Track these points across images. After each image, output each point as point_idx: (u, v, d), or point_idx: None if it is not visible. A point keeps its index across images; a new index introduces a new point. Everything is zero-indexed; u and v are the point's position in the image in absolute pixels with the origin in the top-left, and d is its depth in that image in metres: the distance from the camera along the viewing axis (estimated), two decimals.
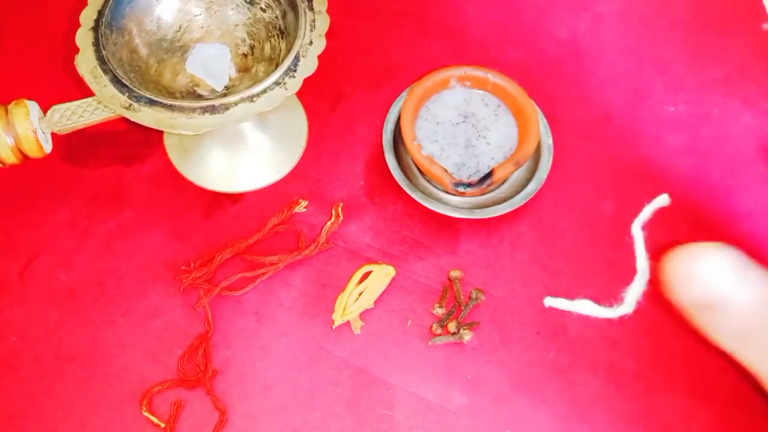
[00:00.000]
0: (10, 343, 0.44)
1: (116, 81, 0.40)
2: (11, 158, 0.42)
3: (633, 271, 0.46)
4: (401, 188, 0.47)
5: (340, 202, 0.48)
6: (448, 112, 0.48)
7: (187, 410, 0.42)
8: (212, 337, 0.44)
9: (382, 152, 0.48)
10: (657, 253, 0.46)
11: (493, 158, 0.47)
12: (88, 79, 0.41)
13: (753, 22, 0.56)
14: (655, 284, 0.45)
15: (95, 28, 0.42)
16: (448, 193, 0.47)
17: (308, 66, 0.41)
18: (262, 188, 0.49)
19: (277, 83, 0.41)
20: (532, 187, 0.47)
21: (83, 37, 0.42)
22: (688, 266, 0.26)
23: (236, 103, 0.40)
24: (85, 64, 0.41)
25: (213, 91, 0.45)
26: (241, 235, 0.47)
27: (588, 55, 0.55)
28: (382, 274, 0.45)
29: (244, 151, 0.49)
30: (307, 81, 0.41)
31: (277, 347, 0.44)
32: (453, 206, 0.46)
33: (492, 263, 0.46)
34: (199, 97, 0.45)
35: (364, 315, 0.44)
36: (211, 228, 0.47)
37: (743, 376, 0.42)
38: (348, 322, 0.44)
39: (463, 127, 0.48)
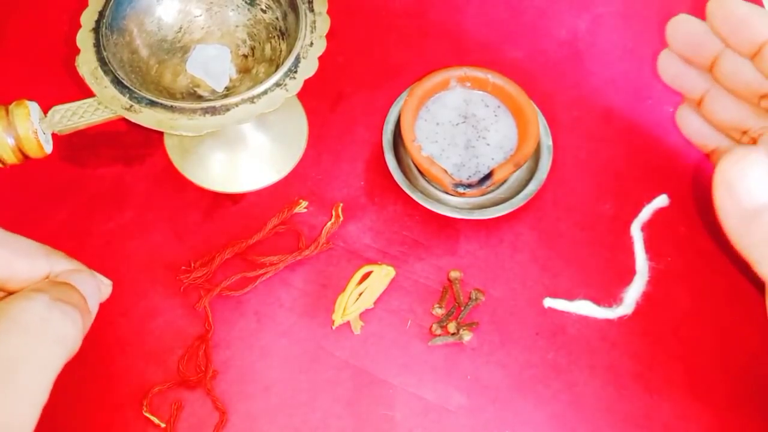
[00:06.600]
0: None
1: (117, 82, 0.41)
2: (12, 158, 0.42)
3: (632, 272, 0.46)
4: (401, 189, 0.47)
5: (340, 202, 0.48)
6: (448, 112, 0.48)
7: (188, 410, 0.42)
8: (212, 337, 0.44)
9: (382, 153, 0.48)
10: (656, 254, 0.46)
11: (492, 159, 0.47)
12: (89, 81, 0.41)
13: None
14: (654, 285, 0.45)
15: (96, 29, 0.42)
16: (447, 193, 0.47)
17: (309, 67, 0.41)
18: (263, 188, 0.49)
19: (277, 84, 0.41)
20: (532, 188, 0.47)
21: (84, 38, 0.42)
22: (731, 171, 0.23)
23: (237, 104, 0.40)
24: (86, 65, 0.41)
25: (213, 92, 0.45)
26: (241, 236, 0.47)
27: (588, 55, 0.55)
28: (382, 275, 0.45)
29: (245, 152, 0.49)
30: (307, 82, 0.41)
31: (277, 347, 0.44)
32: (453, 207, 0.46)
33: (492, 264, 0.46)
34: (200, 98, 0.45)
35: (364, 315, 0.44)
36: (212, 228, 0.47)
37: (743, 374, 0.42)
38: (348, 323, 0.44)
39: (463, 128, 0.48)
